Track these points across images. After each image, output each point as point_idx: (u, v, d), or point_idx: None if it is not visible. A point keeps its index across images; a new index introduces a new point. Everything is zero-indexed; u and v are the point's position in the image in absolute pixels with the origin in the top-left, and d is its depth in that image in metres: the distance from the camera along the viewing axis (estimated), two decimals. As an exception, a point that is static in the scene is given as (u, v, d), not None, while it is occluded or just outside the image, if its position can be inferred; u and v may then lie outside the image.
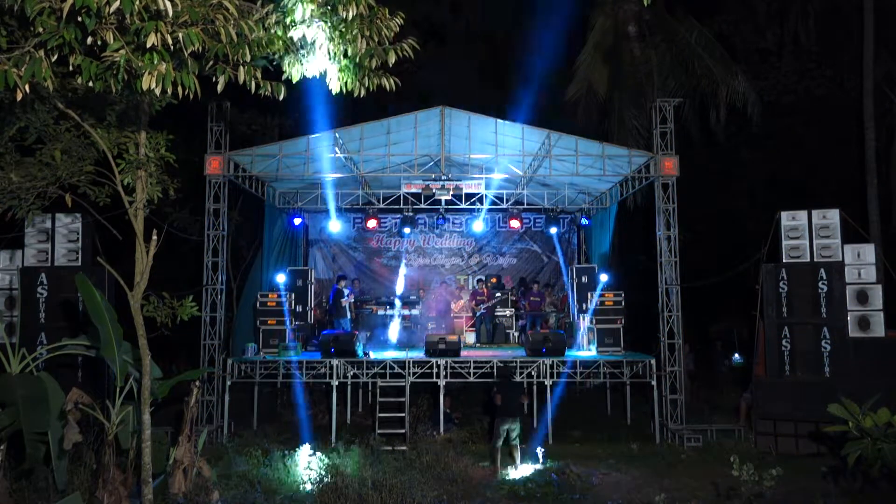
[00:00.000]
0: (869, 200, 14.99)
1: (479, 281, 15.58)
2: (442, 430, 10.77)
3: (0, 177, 6.83)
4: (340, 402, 11.91)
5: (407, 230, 15.08)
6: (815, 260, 10.32)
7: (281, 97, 4.92)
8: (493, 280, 15.77)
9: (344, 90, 5.23)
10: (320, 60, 4.91)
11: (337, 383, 11.05)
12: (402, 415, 10.77)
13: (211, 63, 4.54)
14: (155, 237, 6.52)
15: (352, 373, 11.23)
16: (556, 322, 14.86)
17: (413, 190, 12.62)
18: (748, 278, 11.31)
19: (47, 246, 10.37)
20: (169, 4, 3.70)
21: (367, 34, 4.79)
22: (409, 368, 11.03)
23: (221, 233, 11.66)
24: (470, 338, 14.59)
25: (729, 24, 18.80)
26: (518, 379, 10.72)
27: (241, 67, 4.60)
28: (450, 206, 13.80)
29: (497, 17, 21.47)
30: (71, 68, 4.23)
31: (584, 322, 13.08)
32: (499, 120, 12.12)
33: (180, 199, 9.70)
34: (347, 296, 13.46)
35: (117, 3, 3.55)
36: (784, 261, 10.48)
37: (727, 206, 19.19)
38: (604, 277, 13.24)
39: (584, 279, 14.07)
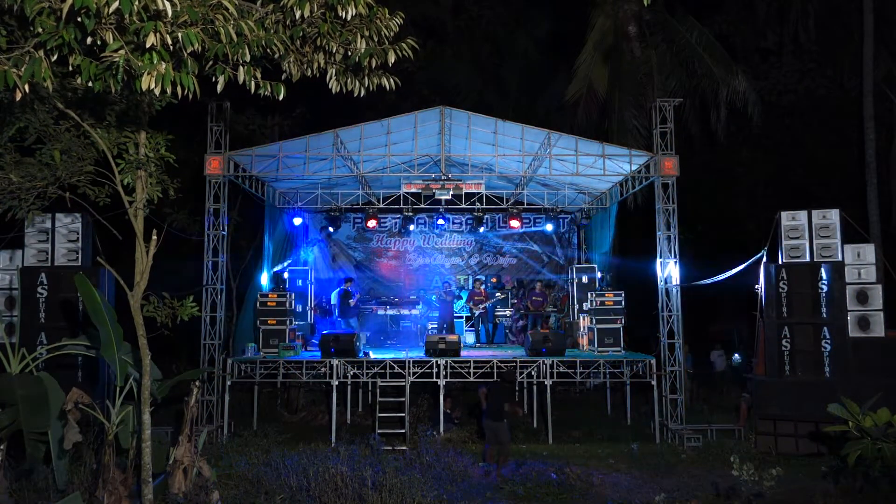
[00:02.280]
0: (869, 200, 15.00)
1: (476, 281, 15.56)
2: (442, 430, 10.77)
3: (0, 177, 6.82)
4: (340, 402, 11.90)
5: (412, 227, 15.09)
6: (815, 260, 10.30)
7: (281, 97, 4.91)
8: (493, 280, 15.78)
9: (344, 90, 5.23)
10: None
11: (337, 383, 11.05)
12: (402, 415, 10.78)
13: (210, 63, 4.54)
14: (155, 237, 6.52)
15: (352, 373, 11.24)
16: (556, 322, 14.86)
17: (413, 190, 12.59)
18: (748, 278, 11.31)
19: (47, 246, 10.37)
20: (168, 4, 3.70)
21: (366, 34, 4.79)
22: (409, 368, 11.02)
23: (221, 233, 11.67)
24: (470, 338, 14.59)
25: (729, 24, 18.81)
26: (517, 382, 10.70)
27: (241, 67, 4.60)
28: (450, 206, 13.78)
29: (497, 16, 21.47)
30: (70, 68, 4.23)
31: (584, 322, 13.08)
32: (499, 120, 12.13)
33: (180, 199, 9.67)
34: (354, 296, 13.50)
35: (116, 4, 3.55)
36: (784, 261, 10.47)
37: (727, 206, 19.19)
38: (599, 275, 13.24)
39: (584, 279, 14.08)
